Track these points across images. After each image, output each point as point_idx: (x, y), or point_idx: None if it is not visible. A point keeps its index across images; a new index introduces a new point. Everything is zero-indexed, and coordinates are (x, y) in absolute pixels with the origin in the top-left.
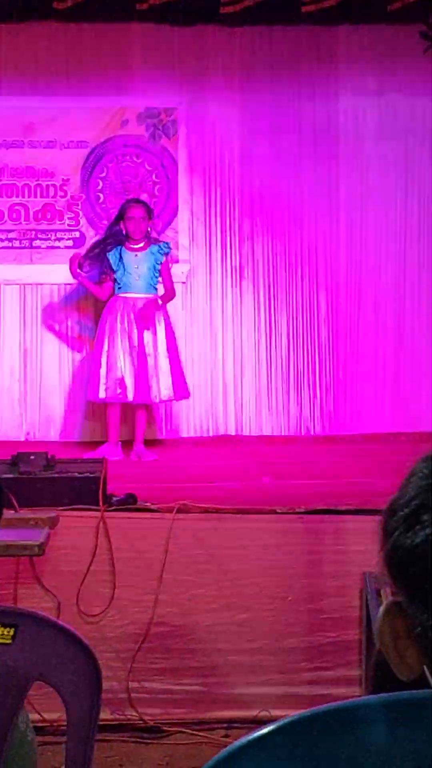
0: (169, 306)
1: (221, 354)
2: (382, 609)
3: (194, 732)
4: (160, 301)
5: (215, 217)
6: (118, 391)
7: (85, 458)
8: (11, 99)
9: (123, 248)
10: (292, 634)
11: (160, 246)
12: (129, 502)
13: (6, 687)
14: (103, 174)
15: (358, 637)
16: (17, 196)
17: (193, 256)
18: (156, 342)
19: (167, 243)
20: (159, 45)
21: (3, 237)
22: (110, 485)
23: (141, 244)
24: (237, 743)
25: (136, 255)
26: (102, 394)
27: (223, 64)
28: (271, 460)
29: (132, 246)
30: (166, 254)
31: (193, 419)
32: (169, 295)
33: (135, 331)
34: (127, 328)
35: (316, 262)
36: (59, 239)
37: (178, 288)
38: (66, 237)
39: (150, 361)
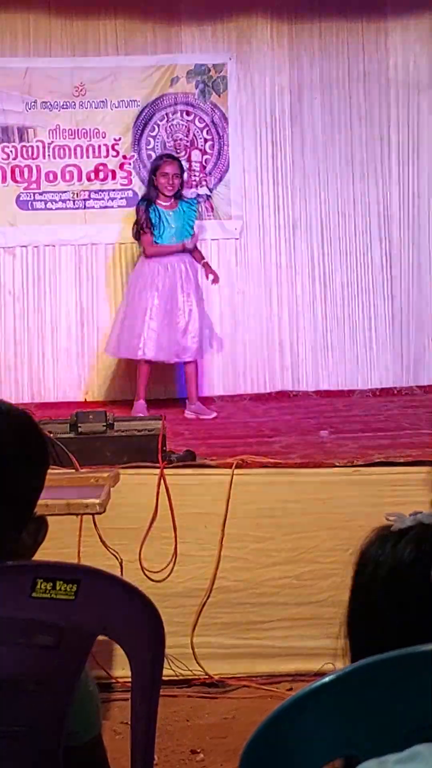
0: (223, 261)
1: (276, 309)
2: None
3: (259, 686)
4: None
5: (267, 172)
6: (151, 348)
7: (144, 416)
8: (62, 60)
9: (155, 205)
10: None
11: (189, 202)
12: (188, 459)
13: (70, 643)
14: (154, 132)
15: None
16: (70, 157)
17: (245, 212)
18: (189, 300)
19: (194, 199)
20: (207, 1)
21: (57, 198)
22: (169, 442)
23: (170, 202)
24: (301, 692)
25: (169, 214)
26: (139, 353)
27: (272, 17)
28: (329, 413)
29: (163, 203)
30: (195, 210)
31: (249, 374)
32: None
33: (168, 288)
34: (159, 285)
35: (368, 214)
36: (112, 199)
37: (232, 244)
38: (119, 197)
39: (184, 318)
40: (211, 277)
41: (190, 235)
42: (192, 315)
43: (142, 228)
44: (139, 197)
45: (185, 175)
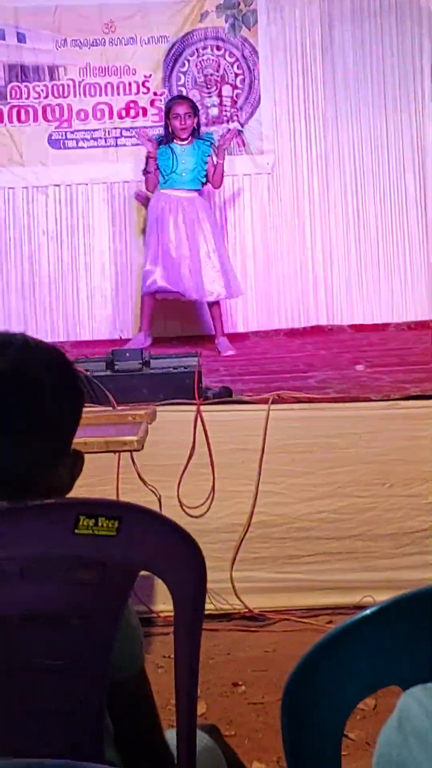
0: (255, 196)
1: (310, 243)
2: None
3: (298, 619)
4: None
5: (298, 106)
6: (166, 285)
7: (179, 353)
8: None
9: (169, 145)
10: (392, 520)
11: (203, 139)
12: (224, 395)
13: (113, 578)
14: (185, 68)
15: None
16: (101, 95)
17: (277, 146)
18: (204, 238)
19: (210, 134)
20: None
21: (88, 136)
22: (205, 379)
23: (186, 141)
24: (341, 625)
25: (182, 150)
26: (151, 288)
27: None
28: (364, 348)
29: (177, 142)
30: (212, 145)
31: (284, 310)
32: (215, 186)
33: (182, 227)
34: (173, 224)
35: (402, 146)
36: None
37: (264, 178)
38: (150, 133)
39: (200, 256)
40: None
41: (202, 173)
42: (210, 256)
43: (145, 169)
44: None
45: (215, 111)
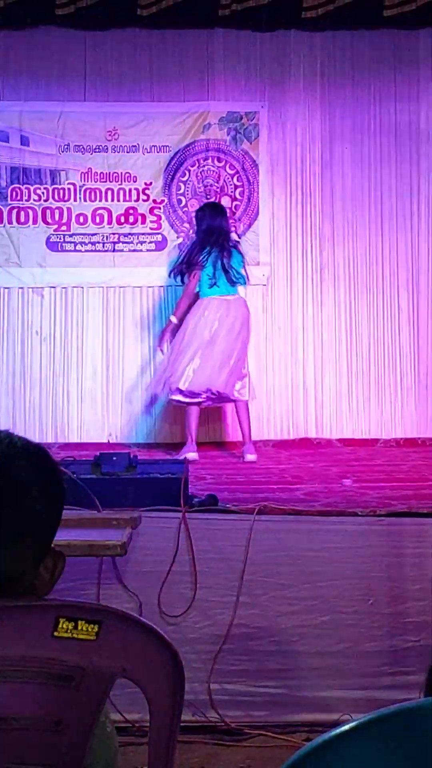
0: (250, 306)
1: (302, 356)
2: None
3: (275, 735)
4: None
5: (296, 220)
6: (203, 391)
7: (167, 459)
8: (96, 104)
9: (212, 249)
10: (374, 638)
11: (236, 247)
12: (210, 504)
13: (90, 683)
14: (185, 178)
15: None
16: (101, 200)
17: (273, 258)
18: (237, 343)
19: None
20: (241, 50)
21: (86, 241)
22: (192, 486)
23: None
24: (317, 741)
25: (224, 257)
26: (181, 396)
27: (305, 67)
28: (352, 462)
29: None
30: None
31: (273, 421)
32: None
33: (220, 331)
34: (208, 328)
35: (396, 264)
36: (141, 242)
37: (259, 290)
38: (148, 240)
39: (230, 361)
40: None
41: (243, 278)
42: (241, 357)
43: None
44: (174, 243)
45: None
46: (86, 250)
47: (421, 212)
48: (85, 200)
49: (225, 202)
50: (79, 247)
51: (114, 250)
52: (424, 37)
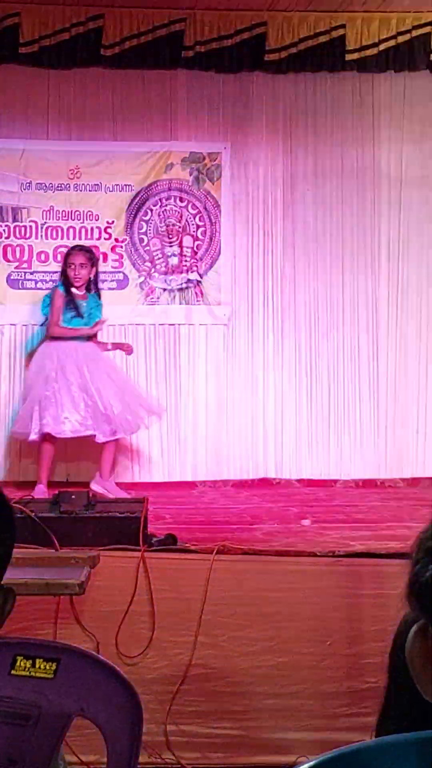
0: (211, 346)
1: (262, 395)
2: (413, 629)
3: None
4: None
5: (257, 260)
6: (69, 427)
7: (126, 498)
8: (58, 143)
9: (71, 292)
10: (332, 679)
11: (95, 297)
12: (169, 543)
13: (47, 722)
14: (147, 217)
15: None
16: (62, 238)
17: (234, 298)
18: (100, 379)
19: (97, 293)
20: (204, 91)
21: (47, 278)
22: (151, 525)
23: (82, 292)
24: None
25: (81, 304)
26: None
27: (267, 109)
28: (311, 503)
29: (75, 292)
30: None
31: (233, 461)
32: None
33: (77, 370)
34: (68, 367)
35: (357, 306)
36: (103, 281)
37: (220, 329)
38: (110, 279)
39: (93, 399)
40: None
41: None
42: (103, 395)
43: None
44: (136, 282)
45: (176, 260)
46: (47, 288)
47: (381, 254)
48: (46, 238)
49: (187, 241)
50: (39, 284)
51: None
52: (385, 82)
